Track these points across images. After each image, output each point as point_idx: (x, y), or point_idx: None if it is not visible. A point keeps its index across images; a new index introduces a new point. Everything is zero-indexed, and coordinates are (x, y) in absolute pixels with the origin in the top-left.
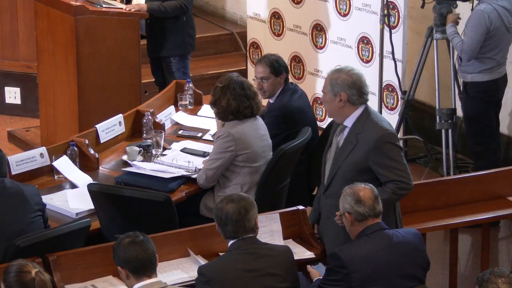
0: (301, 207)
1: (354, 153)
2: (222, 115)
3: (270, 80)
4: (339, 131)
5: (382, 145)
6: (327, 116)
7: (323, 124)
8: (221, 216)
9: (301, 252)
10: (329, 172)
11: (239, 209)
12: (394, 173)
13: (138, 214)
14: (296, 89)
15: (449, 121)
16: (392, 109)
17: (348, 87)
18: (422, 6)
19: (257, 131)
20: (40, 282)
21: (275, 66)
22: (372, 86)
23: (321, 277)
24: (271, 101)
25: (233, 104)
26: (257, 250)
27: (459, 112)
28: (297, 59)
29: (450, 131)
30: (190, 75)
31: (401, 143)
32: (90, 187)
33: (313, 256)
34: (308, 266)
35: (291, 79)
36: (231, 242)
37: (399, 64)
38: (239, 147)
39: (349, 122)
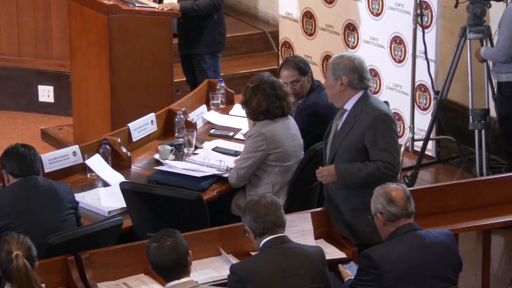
0: None
1: (352, 134)
2: (253, 115)
3: (301, 81)
4: (339, 115)
5: (376, 125)
6: None
7: None
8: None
9: (332, 252)
10: (329, 154)
11: (273, 201)
12: (382, 154)
13: (170, 212)
14: (322, 86)
15: (482, 121)
16: (424, 109)
17: (350, 71)
18: (456, 6)
19: (288, 131)
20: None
21: (302, 67)
22: (405, 86)
23: (352, 277)
24: (300, 101)
25: (264, 105)
26: (289, 249)
27: (492, 113)
28: (329, 58)
29: (483, 131)
30: (222, 74)
31: (433, 144)
32: (122, 185)
33: (345, 256)
34: (340, 266)
35: (323, 79)
36: (263, 241)
37: (432, 64)
38: (270, 146)
39: (348, 105)
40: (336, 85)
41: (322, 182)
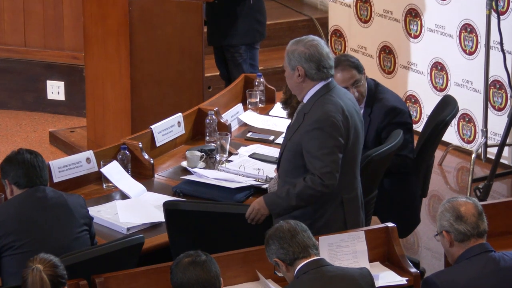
0: (390, 224)
1: (297, 134)
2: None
3: (362, 80)
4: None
5: (311, 131)
6: (422, 117)
7: (418, 127)
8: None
9: (390, 277)
10: (280, 150)
11: (297, 223)
12: (312, 165)
13: (225, 231)
14: (377, 82)
15: None
16: (500, 109)
17: (305, 60)
18: None
19: None
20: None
21: (358, 64)
22: (477, 82)
23: None
24: (361, 105)
25: None
26: (328, 273)
27: None
28: (387, 50)
29: None
30: (260, 68)
31: (510, 150)
32: (167, 206)
33: (405, 282)
34: None
35: (380, 73)
36: (297, 269)
37: (508, 57)
38: None
39: (306, 99)
40: (294, 76)
41: (256, 222)
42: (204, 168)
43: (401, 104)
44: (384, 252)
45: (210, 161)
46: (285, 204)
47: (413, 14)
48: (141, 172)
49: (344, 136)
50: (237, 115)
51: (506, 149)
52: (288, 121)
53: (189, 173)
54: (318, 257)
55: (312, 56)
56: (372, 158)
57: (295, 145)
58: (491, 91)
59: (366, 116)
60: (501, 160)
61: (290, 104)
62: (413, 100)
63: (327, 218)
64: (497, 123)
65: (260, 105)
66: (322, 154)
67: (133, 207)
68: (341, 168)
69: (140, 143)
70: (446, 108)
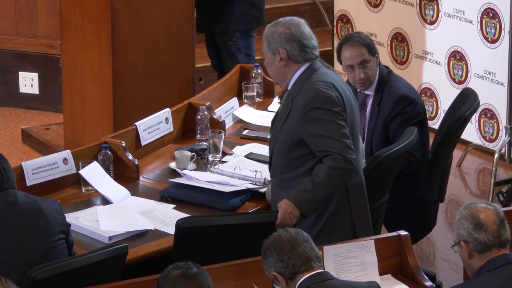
0: (403, 233)
1: (288, 121)
2: None
3: (371, 62)
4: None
5: (309, 112)
6: (439, 112)
7: (434, 124)
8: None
9: None
10: (269, 149)
11: (298, 233)
12: (326, 146)
13: (240, 243)
14: (391, 70)
15: None
16: None
17: (287, 41)
18: None
19: None
20: None
21: (370, 44)
22: (500, 72)
23: None
24: (369, 92)
25: None
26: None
27: None
28: (400, 37)
29: None
30: (258, 58)
31: None
32: (181, 224)
33: None
34: None
35: (391, 63)
36: (298, 283)
37: None
38: None
39: (290, 84)
40: (275, 61)
41: (290, 226)
42: (195, 170)
43: (414, 94)
44: (396, 263)
45: (201, 162)
46: (314, 196)
47: None
48: (124, 174)
49: (342, 109)
50: (231, 111)
51: None
52: None
53: (178, 175)
54: (322, 270)
55: (293, 35)
56: (383, 159)
57: (290, 134)
58: None
59: (374, 106)
60: None
61: None
62: (428, 94)
63: (331, 211)
64: None
65: (258, 99)
66: (331, 132)
67: (116, 213)
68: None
69: (123, 142)
70: (466, 103)
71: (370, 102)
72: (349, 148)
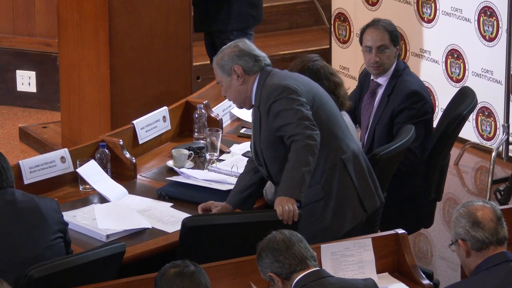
0: (400, 231)
1: (262, 129)
2: None
3: (390, 50)
4: None
5: (270, 108)
6: (436, 110)
7: None
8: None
9: None
10: (258, 163)
11: (292, 233)
12: (287, 131)
13: (245, 241)
14: (407, 65)
15: None
16: None
17: (238, 57)
18: None
19: (350, 124)
20: None
21: (394, 33)
22: (497, 70)
23: None
24: (381, 82)
25: None
26: (328, 285)
27: None
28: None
29: None
30: None
31: None
32: (188, 223)
33: None
34: None
35: None
36: (294, 282)
37: None
38: None
39: (253, 98)
40: (233, 81)
41: (293, 219)
42: (192, 168)
43: (425, 92)
44: (393, 261)
45: (199, 160)
46: (294, 180)
47: None
48: (122, 172)
49: (304, 95)
50: (229, 109)
51: None
52: None
53: (176, 173)
54: (318, 268)
55: (243, 50)
56: (380, 157)
57: (268, 138)
58: None
59: (384, 96)
60: None
61: None
62: None
63: (337, 189)
64: None
65: None
66: (290, 118)
67: (113, 211)
68: (324, 131)
69: (120, 140)
70: (464, 101)
71: (380, 92)
72: (308, 127)
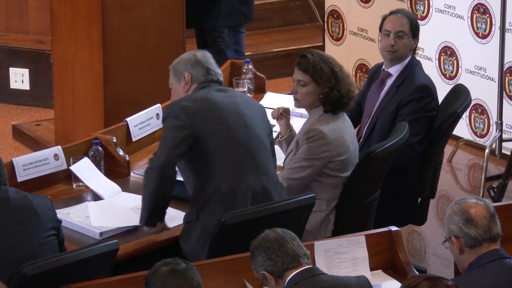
0: (394, 228)
1: None
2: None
3: (407, 39)
4: None
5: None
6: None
7: None
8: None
9: (393, 287)
10: None
11: (284, 232)
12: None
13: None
14: (420, 63)
15: None
16: None
17: (192, 66)
18: None
19: (349, 128)
20: None
21: (415, 24)
22: (490, 69)
23: None
24: (392, 72)
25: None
26: (322, 283)
27: None
28: None
29: None
30: (248, 53)
31: None
32: (228, 221)
33: None
34: None
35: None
36: (287, 280)
37: None
38: (335, 152)
39: None
40: (180, 87)
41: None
42: None
43: (434, 90)
44: (387, 259)
45: None
46: (144, 204)
47: None
48: (115, 170)
49: (191, 120)
50: None
51: None
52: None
53: None
54: (311, 266)
55: (198, 60)
56: (376, 155)
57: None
58: (506, 79)
59: (393, 87)
60: None
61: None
62: None
63: (204, 219)
64: None
65: (249, 95)
66: (162, 140)
67: (107, 209)
68: (215, 159)
69: (114, 137)
70: (458, 99)
71: (390, 82)
72: (157, 157)
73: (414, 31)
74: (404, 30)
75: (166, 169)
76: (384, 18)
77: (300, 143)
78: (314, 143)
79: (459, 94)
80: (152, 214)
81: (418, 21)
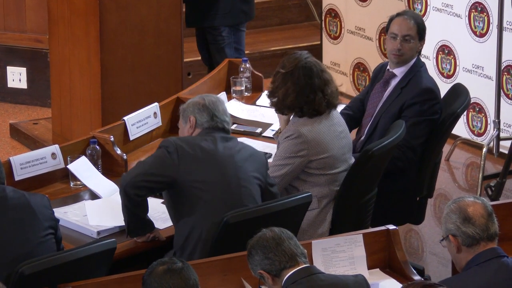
0: (391, 227)
1: None
2: (278, 106)
3: (414, 42)
4: None
5: None
6: None
7: None
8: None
9: (391, 285)
10: None
11: (282, 231)
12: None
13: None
14: (426, 66)
15: None
16: None
17: (198, 110)
18: None
19: (333, 128)
20: None
21: (421, 27)
22: (488, 67)
23: None
24: (397, 73)
25: (290, 97)
26: (320, 282)
27: None
28: None
29: None
30: (247, 52)
31: None
32: (231, 219)
33: None
34: None
35: (380, 58)
36: (284, 279)
37: None
38: (313, 151)
39: None
40: (185, 128)
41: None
42: None
43: (439, 93)
44: (384, 257)
45: None
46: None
47: None
48: (113, 168)
49: (176, 161)
50: None
51: None
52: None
53: None
54: (308, 265)
55: (205, 106)
56: (373, 153)
57: None
58: (504, 77)
59: (397, 88)
60: None
61: (276, 94)
62: None
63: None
64: (510, 114)
65: (246, 93)
66: (142, 163)
67: (104, 208)
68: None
69: (111, 136)
70: (457, 99)
71: (394, 83)
72: (125, 177)
73: (421, 34)
74: (411, 34)
75: (128, 191)
76: (390, 20)
77: (280, 142)
78: (291, 142)
79: (459, 94)
80: (131, 227)
81: None
